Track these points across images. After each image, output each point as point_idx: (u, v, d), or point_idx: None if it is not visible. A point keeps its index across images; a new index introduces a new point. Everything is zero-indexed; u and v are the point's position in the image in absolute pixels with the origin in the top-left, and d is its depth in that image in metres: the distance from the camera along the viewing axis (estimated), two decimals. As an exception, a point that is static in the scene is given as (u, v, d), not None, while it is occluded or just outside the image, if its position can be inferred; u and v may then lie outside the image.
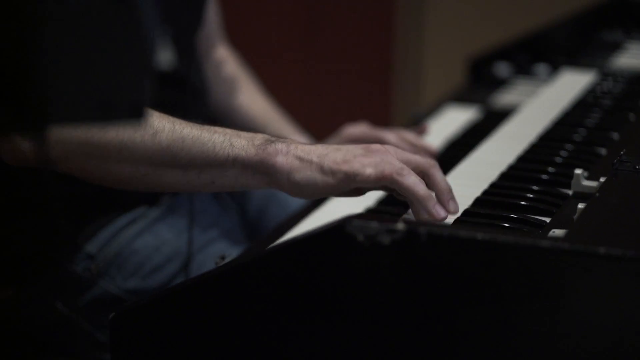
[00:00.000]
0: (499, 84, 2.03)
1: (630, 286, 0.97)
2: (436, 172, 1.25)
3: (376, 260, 1.03)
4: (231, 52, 1.91)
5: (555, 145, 1.49)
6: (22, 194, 1.46)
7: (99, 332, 1.48)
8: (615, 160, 1.22)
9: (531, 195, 1.30)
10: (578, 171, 1.30)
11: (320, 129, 2.13)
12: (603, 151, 1.45)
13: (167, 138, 1.23)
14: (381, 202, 1.42)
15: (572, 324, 0.99)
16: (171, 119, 1.25)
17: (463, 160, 1.50)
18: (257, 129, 1.79)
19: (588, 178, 1.31)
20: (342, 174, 1.21)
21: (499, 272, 1.00)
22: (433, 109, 1.95)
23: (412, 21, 3.43)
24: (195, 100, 1.63)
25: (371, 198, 1.43)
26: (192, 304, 1.12)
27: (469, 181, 1.38)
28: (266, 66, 2.07)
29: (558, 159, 1.43)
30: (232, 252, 1.53)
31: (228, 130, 1.26)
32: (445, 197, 1.24)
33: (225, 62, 1.88)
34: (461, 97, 1.99)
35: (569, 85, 1.84)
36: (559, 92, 1.81)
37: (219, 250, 1.55)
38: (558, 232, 1.15)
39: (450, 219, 1.23)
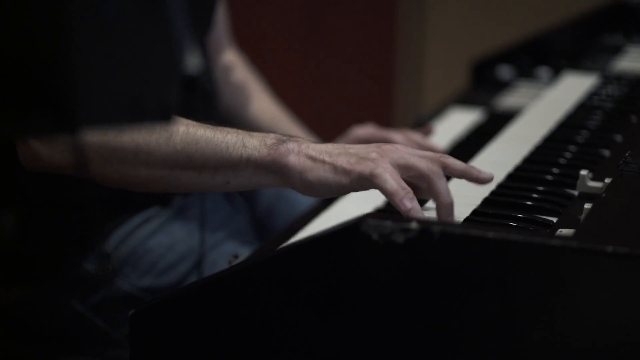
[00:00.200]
0: (502, 86, 2.07)
1: (638, 284, 1.00)
2: (439, 183, 1.26)
3: (390, 259, 1.06)
4: (240, 56, 1.94)
5: (560, 147, 1.52)
6: (41, 194, 1.48)
7: (113, 329, 1.51)
8: (621, 162, 1.26)
9: (538, 196, 1.34)
10: (583, 172, 1.34)
11: (322, 132, 2.16)
12: (607, 153, 1.49)
13: (182, 140, 1.26)
14: (389, 203, 1.45)
15: (580, 321, 1.02)
16: (185, 121, 1.27)
17: (470, 161, 1.53)
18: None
19: (593, 179, 1.35)
20: (356, 175, 1.23)
21: (509, 269, 1.03)
22: (437, 111, 1.98)
23: (413, 23, 3.46)
24: (205, 103, 1.65)
25: (380, 198, 1.46)
26: (209, 301, 1.14)
27: (477, 182, 1.40)
28: (267, 69, 2.10)
29: (563, 160, 1.47)
30: (243, 251, 1.55)
31: (240, 131, 1.29)
32: (471, 172, 1.27)
33: (234, 66, 1.91)
34: (465, 100, 2.02)
35: (571, 88, 1.87)
36: (562, 94, 1.84)
37: (230, 249, 1.57)
38: (565, 232, 1.19)
39: (460, 218, 1.27)
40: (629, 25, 2.22)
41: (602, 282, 1.01)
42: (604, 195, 1.19)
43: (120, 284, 1.51)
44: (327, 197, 1.28)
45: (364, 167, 1.23)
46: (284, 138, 1.27)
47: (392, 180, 1.22)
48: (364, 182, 1.24)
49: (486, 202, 1.34)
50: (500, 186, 1.40)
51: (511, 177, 1.43)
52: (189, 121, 1.28)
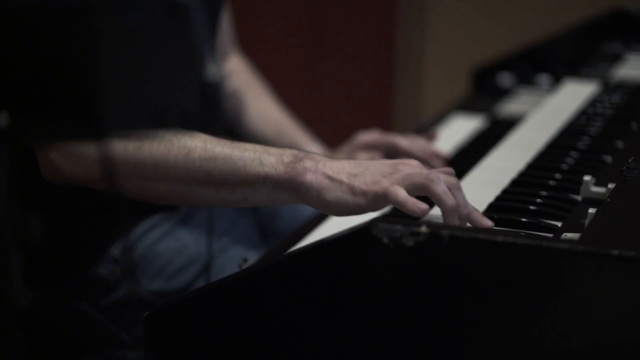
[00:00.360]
0: (503, 93, 2.09)
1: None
2: (456, 193, 1.26)
3: (400, 262, 1.08)
4: (244, 60, 1.96)
5: (563, 153, 1.55)
6: (54, 200, 1.50)
7: (123, 332, 1.53)
8: (624, 167, 1.28)
9: (542, 201, 1.36)
10: (587, 178, 1.37)
11: (322, 137, 2.17)
12: (608, 159, 1.51)
13: (200, 157, 1.28)
14: (394, 209, 1.47)
15: (586, 323, 1.05)
16: (203, 137, 1.30)
17: (474, 167, 1.56)
18: (270, 139, 1.84)
19: (596, 184, 1.37)
20: (372, 195, 1.25)
21: (517, 272, 1.06)
22: (439, 117, 2.00)
23: (413, 27, 3.48)
24: (212, 108, 1.67)
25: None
26: (222, 303, 1.17)
27: (482, 187, 1.43)
28: (266, 73, 2.11)
29: (566, 166, 1.49)
30: (250, 255, 1.58)
31: (258, 147, 1.31)
32: (450, 215, 1.25)
33: (239, 71, 1.92)
34: (466, 106, 2.05)
35: (572, 96, 1.90)
36: (563, 102, 1.87)
37: (236, 253, 1.59)
38: (571, 236, 1.21)
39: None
40: (628, 33, 2.24)
41: (609, 284, 1.03)
42: (608, 200, 1.22)
43: (130, 287, 1.53)
44: (344, 216, 1.29)
45: (379, 188, 1.25)
46: (301, 155, 1.29)
47: (403, 191, 1.24)
48: (381, 201, 1.26)
49: (491, 207, 1.37)
50: (505, 191, 1.42)
51: (515, 182, 1.45)
52: (207, 137, 1.30)
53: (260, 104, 1.91)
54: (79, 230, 1.53)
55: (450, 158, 1.70)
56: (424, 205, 1.23)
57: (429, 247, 1.07)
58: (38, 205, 1.50)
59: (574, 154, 1.55)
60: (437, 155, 1.66)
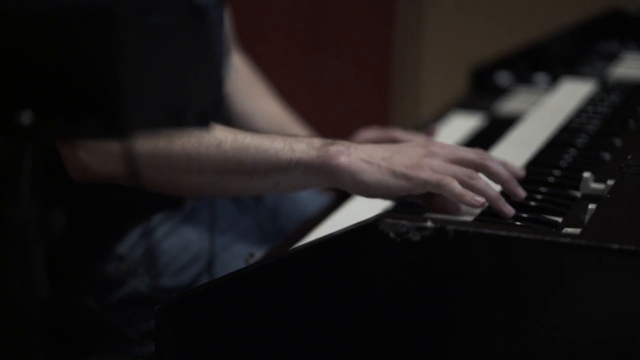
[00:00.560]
0: (501, 92, 2.12)
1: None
2: (492, 163, 1.34)
3: (407, 256, 1.11)
4: (244, 59, 1.98)
5: (562, 150, 1.58)
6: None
7: (128, 328, 1.55)
8: (623, 164, 1.31)
9: (542, 197, 1.39)
10: (586, 174, 1.39)
11: (320, 136, 2.19)
12: (607, 156, 1.54)
13: (231, 147, 1.31)
14: (399, 204, 1.50)
15: (587, 316, 1.08)
16: (231, 129, 1.33)
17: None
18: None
19: (595, 181, 1.40)
20: (420, 181, 1.29)
21: (519, 266, 1.09)
22: (438, 115, 2.03)
23: (411, 27, 3.50)
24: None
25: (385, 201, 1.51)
26: (232, 297, 1.19)
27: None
28: (265, 71, 2.14)
29: (565, 163, 1.52)
30: (254, 251, 1.60)
31: (285, 136, 1.35)
32: (511, 185, 1.34)
33: (239, 70, 1.94)
34: (465, 105, 2.08)
35: (570, 94, 1.93)
36: (561, 100, 1.90)
37: (240, 250, 1.61)
38: (571, 231, 1.24)
39: (470, 218, 1.32)
40: (625, 32, 2.27)
41: (609, 278, 1.06)
42: (608, 196, 1.25)
43: (135, 284, 1.55)
44: (383, 198, 1.35)
45: (429, 176, 1.29)
46: (329, 141, 1.33)
47: (459, 185, 1.29)
48: (429, 188, 1.30)
49: (493, 203, 1.40)
50: (506, 188, 1.45)
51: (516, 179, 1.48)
52: (235, 129, 1.34)
53: (262, 103, 1.93)
54: (86, 229, 1.55)
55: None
56: (481, 199, 1.29)
57: (434, 241, 1.10)
58: (58, 202, 1.52)
59: (573, 151, 1.58)
60: None
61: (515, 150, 1.62)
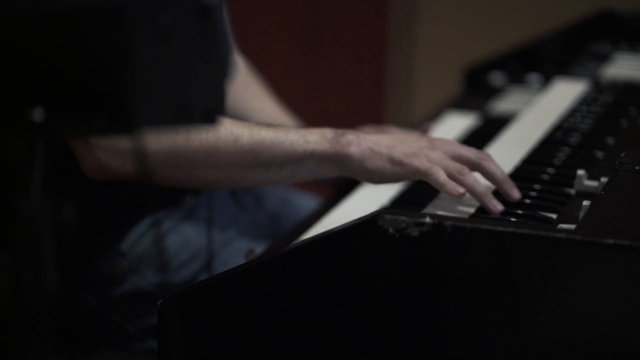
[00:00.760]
0: (494, 92, 2.14)
1: (637, 275, 1.08)
2: (488, 164, 1.39)
3: (405, 251, 1.13)
4: (241, 59, 1.99)
5: (556, 149, 1.60)
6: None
7: (129, 324, 1.57)
8: (617, 162, 1.34)
9: (537, 194, 1.41)
10: (580, 172, 1.42)
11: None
12: (600, 154, 1.57)
13: (248, 142, 1.37)
14: (395, 202, 1.52)
15: (582, 310, 1.10)
16: (246, 124, 1.39)
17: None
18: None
19: (589, 178, 1.43)
20: (412, 168, 1.36)
21: (516, 261, 1.11)
22: (433, 115, 2.05)
23: (405, 29, 3.52)
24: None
25: (385, 196, 1.54)
26: (233, 292, 1.21)
27: (479, 182, 1.48)
28: (262, 71, 2.15)
29: (559, 161, 1.55)
30: (255, 248, 1.62)
31: (298, 129, 1.41)
32: (506, 186, 1.38)
33: (237, 70, 1.95)
34: (459, 104, 2.10)
35: (563, 94, 1.95)
36: (554, 100, 1.92)
37: (240, 247, 1.63)
38: (566, 227, 1.26)
39: (468, 214, 1.34)
40: (616, 33, 2.30)
41: (604, 272, 1.09)
42: (602, 192, 1.27)
43: (136, 281, 1.56)
44: (383, 183, 1.41)
45: (421, 164, 1.36)
46: (340, 131, 1.39)
47: (444, 175, 1.34)
48: (419, 175, 1.36)
49: (489, 200, 1.42)
50: (501, 186, 1.47)
51: (511, 177, 1.49)
52: (250, 124, 1.39)
53: (260, 102, 1.95)
54: (89, 225, 1.56)
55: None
56: (462, 189, 1.34)
57: (432, 237, 1.12)
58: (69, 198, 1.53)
59: (566, 149, 1.60)
60: None
61: (510, 149, 1.64)
